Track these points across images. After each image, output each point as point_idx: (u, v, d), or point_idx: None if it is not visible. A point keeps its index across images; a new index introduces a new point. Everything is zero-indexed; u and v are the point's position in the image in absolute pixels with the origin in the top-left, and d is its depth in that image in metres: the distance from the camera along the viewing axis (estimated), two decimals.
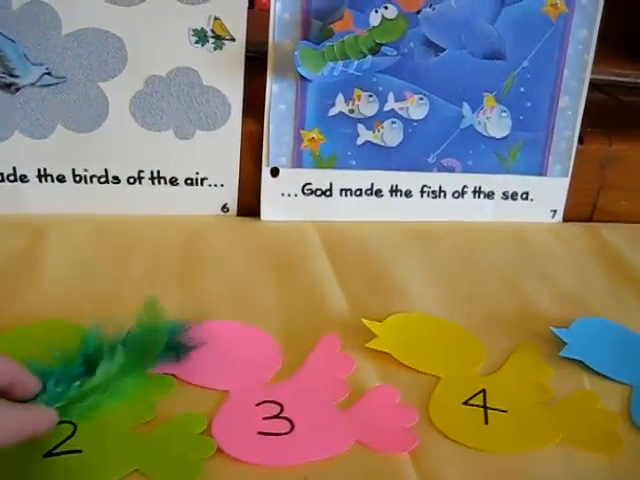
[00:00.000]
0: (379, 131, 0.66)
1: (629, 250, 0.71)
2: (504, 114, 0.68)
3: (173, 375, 0.47)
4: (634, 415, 0.49)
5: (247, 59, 0.63)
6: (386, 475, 0.42)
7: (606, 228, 0.74)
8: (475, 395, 0.49)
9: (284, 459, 0.42)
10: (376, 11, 0.61)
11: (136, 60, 0.60)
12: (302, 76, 0.62)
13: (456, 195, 0.70)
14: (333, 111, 0.64)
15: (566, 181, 0.72)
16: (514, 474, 0.44)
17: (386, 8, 0.61)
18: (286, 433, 0.43)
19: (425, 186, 0.69)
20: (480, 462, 0.44)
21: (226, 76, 0.62)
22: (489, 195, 0.71)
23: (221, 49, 0.62)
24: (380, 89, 0.65)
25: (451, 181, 0.69)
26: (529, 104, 0.68)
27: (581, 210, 0.75)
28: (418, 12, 0.63)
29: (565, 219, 0.74)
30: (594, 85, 0.86)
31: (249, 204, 0.67)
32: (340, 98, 0.64)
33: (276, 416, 0.44)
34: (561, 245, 0.70)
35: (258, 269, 0.60)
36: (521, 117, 0.69)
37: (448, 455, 0.44)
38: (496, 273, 0.64)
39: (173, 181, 0.65)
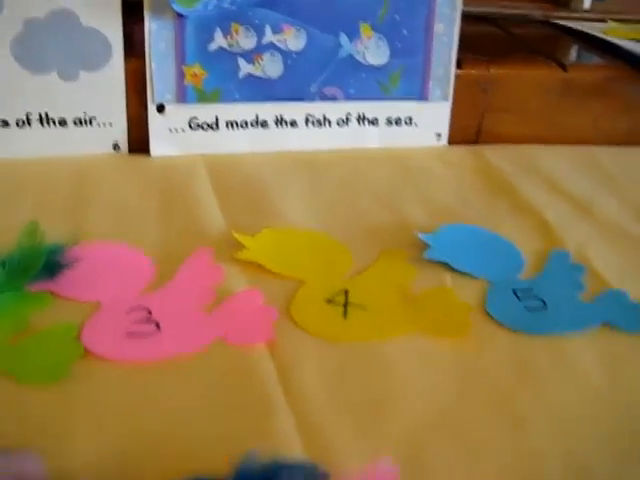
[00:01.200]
0: (259, 63, 0.68)
1: (510, 169, 0.74)
2: (381, 42, 0.71)
3: (49, 291, 0.49)
4: (488, 305, 0.53)
5: None
6: (245, 366, 0.45)
7: (490, 149, 0.78)
8: (337, 294, 0.52)
9: (148, 354, 0.45)
10: None
11: (12, 3, 0.62)
12: (178, 13, 0.64)
13: (340, 123, 0.73)
14: (213, 46, 0.67)
15: (447, 105, 0.75)
16: (367, 362, 0.47)
17: None
18: (152, 334, 0.46)
19: (309, 115, 0.71)
20: (336, 352, 0.47)
21: (105, 17, 0.64)
22: (373, 122, 0.73)
23: None
24: (257, 22, 0.67)
25: (335, 109, 0.72)
26: (405, 31, 0.71)
27: (466, 133, 0.78)
28: None
29: (451, 142, 0.77)
30: (487, 18, 0.90)
31: (139, 141, 0.69)
32: (218, 33, 0.66)
33: (144, 320, 0.47)
34: (444, 167, 0.74)
35: (144, 202, 0.63)
36: (398, 44, 0.71)
37: (306, 347, 0.47)
38: (376, 195, 0.67)
39: (62, 122, 0.67)
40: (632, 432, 0.43)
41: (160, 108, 0.68)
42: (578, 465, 0.40)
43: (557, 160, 0.77)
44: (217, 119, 0.69)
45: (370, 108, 0.73)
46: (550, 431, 0.43)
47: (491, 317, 0.52)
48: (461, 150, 0.77)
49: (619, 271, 0.59)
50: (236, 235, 0.55)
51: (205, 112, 0.69)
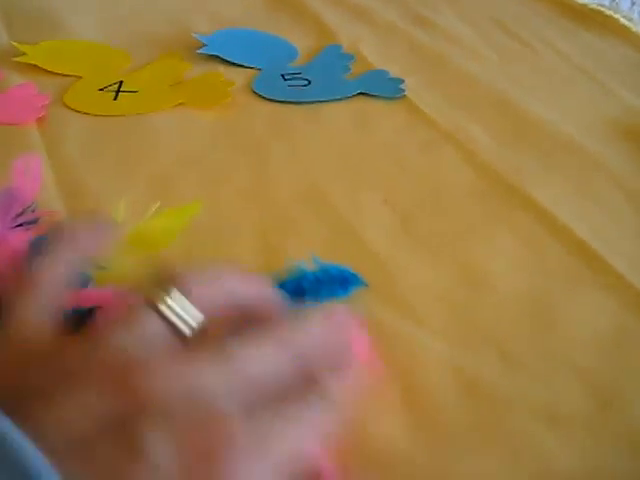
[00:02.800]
0: None
1: None
2: None
3: None
4: (254, 84, 0.58)
5: None
6: (14, 141, 0.49)
7: None
8: (112, 85, 0.55)
9: None
10: None
11: None
12: None
13: None
14: None
15: None
16: (131, 131, 0.51)
17: None
18: None
19: None
20: (103, 125, 0.51)
21: None
22: None
23: None
24: None
25: None
26: None
27: None
28: None
29: None
30: None
31: None
32: None
33: None
34: None
35: None
36: None
37: (74, 124, 0.51)
38: (163, 14, 0.70)
39: None
40: (358, 157, 0.50)
41: None
42: (317, 191, 0.47)
43: None
44: None
45: None
46: (293, 167, 0.48)
47: (256, 94, 0.57)
48: None
49: (385, 59, 0.64)
50: (15, 43, 0.58)
51: None
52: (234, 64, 0.61)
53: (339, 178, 0.47)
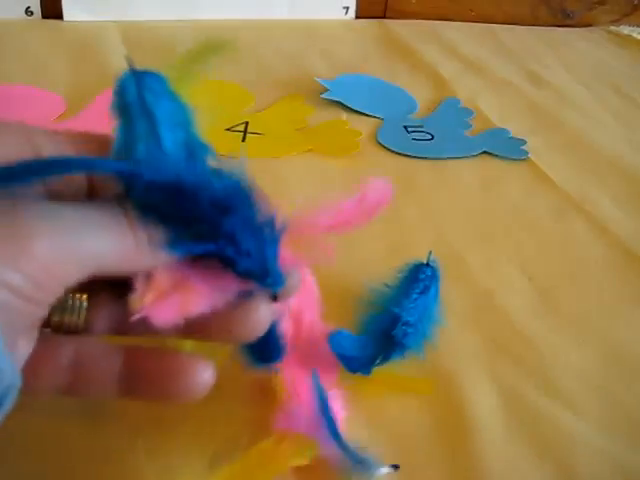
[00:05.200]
0: None
1: (413, 37, 0.78)
2: None
3: None
4: (379, 135, 0.57)
5: None
6: None
7: (395, 22, 0.81)
8: (237, 125, 0.55)
9: None
10: None
11: None
12: None
13: None
14: None
15: None
16: (261, 174, 0.50)
17: None
18: None
19: None
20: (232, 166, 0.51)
21: None
22: None
23: None
24: None
25: None
26: None
27: (373, 9, 0.82)
28: None
29: (358, 17, 0.81)
30: None
31: (53, 6, 0.71)
32: None
33: None
34: (349, 34, 0.77)
35: (56, 57, 0.65)
36: None
37: None
38: (282, 54, 0.70)
39: None
40: (490, 220, 0.49)
41: None
42: (454, 256, 0.45)
43: (458, 33, 0.82)
44: None
45: None
46: (427, 228, 0.48)
47: (381, 145, 0.56)
48: (367, 22, 0.81)
49: (504, 116, 0.63)
50: None
51: None
52: (355, 111, 0.60)
53: (474, 243, 0.47)
